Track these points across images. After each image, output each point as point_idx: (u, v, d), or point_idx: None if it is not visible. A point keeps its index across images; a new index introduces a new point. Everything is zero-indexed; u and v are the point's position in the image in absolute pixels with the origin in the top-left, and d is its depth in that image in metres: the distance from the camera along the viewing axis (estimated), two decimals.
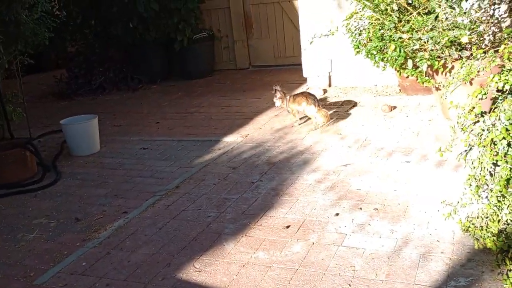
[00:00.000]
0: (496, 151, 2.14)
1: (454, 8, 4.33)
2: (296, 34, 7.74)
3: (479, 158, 2.26)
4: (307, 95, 4.98)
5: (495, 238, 2.32)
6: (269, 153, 4.36)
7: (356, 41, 4.76)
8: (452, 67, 4.28)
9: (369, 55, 4.57)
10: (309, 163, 4.03)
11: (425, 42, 4.13)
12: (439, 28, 4.17)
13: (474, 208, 2.44)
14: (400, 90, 5.81)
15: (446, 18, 4.35)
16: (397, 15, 4.47)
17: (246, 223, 3.16)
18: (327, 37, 6.04)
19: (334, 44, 6.21)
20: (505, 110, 2.07)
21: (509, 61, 2.12)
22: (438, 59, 4.13)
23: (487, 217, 2.30)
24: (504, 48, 2.14)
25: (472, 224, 2.37)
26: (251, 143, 4.68)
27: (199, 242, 3.00)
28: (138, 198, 3.76)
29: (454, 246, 2.63)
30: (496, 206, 2.24)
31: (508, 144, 2.14)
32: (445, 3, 4.49)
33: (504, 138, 2.12)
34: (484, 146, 2.19)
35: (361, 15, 4.73)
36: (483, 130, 2.25)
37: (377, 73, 6.07)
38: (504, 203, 2.23)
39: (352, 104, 5.58)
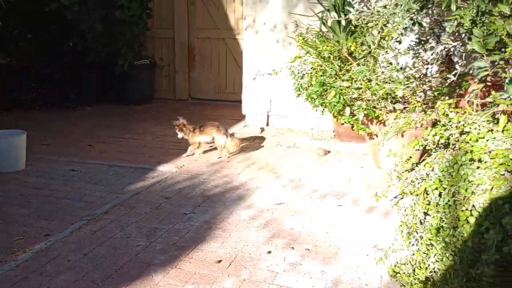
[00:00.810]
0: (428, 200, 2.23)
1: (391, 63, 4.59)
2: (238, 72, 7.85)
3: (412, 206, 2.36)
4: (217, 125, 5.20)
5: (422, 285, 2.39)
6: (204, 186, 4.31)
7: (298, 84, 4.91)
8: (387, 119, 4.50)
9: (309, 99, 4.71)
10: (244, 199, 4.02)
11: (363, 92, 4.32)
12: (376, 80, 4.39)
13: (404, 254, 2.52)
14: (335, 136, 5.99)
15: (383, 72, 4.60)
16: (339, 64, 4.66)
17: (176, 255, 3.07)
18: (269, 78, 6.20)
19: (275, 85, 6.36)
20: (438, 162, 2.19)
21: (445, 116, 2.26)
22: (374, 109, 4.32)
23: (415, 264, 2.38)
24: (440, 104, 2.29)
25: (401, 270, 2.44)
26: (186, 174, 4.62)
27: (126, 271, 2.87)
28: (63, 221, 3.56)
29: None
30: (424, 253, 2.33)
31: (439, 195, 2.25)
32: (383, 58, 4.76)
33: (436, 188, 2.22)
34: (417, 195, 2.28)
35: (305, 60, 4.90)
36: (417, 179, 2.35)
37: (314, 118, 6.25)
38: (431, 252, 2.32)
39: (288, 144, 5.67)
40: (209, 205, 3.89)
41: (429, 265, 2.37)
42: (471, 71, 4.30)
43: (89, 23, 7.04)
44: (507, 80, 3.71)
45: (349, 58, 4.79)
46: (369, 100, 4.28)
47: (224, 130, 5.12)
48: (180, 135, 5.19)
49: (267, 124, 6.58)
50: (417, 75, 4.52)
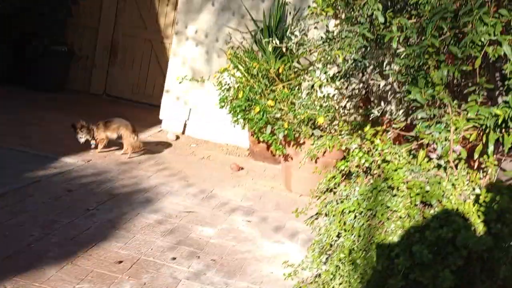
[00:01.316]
0: (344, 221, 2.27)
1: (315, 90, 4.72)
2: (160, 76, 7.68)
3: (327, 226, 2.39)
4: (126, 123, 4.98)
5: None
6: (111, 184, 4.10)
7: (223, 95, 4.87)
8: (304, 143, 4.60)
9: (233, 112, 4.70)
10: (152, 203, 3.86)
11: (285, 114, 4.39)
12: (299, 104, 4.48)
13: (312, 274, 2.53)
14: (249, 154, 6.01)
15: (305, 98, 4.71)
16: (266, 83, 4.71)
17: (73, 250, 2.85)
18: (192, 87, 6.13)
19: (197, 95, 6.29)
20: (359, 185, 2.24)
21: (370, 143, 2.34)
22: (294, 132, 4.40)
23: (321, 285, 2.39)
24: (368, 129, 2.36)
25: None
26: (92, 170, 4.36)
27: (15, 261, 2.61)
28: None
29: None
30: (332, 274, 2.35)
31: (355, 216, 2.30)
32: (308, 84, 4.89)
33: (354, 210, 2.27)
34: (334, 215, 2.32)
35: (233, 73, 4.89)
36: (336, 200, 2.39)
37: (231, 134, 6.24)
38: (338, 273, 2.35)
39: (202, 155, 5.59)
40: (114, 204, 3.69)
41: (333, 287, 2.40)
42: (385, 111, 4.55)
43: None
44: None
45: (276, 78, 4.86)
46: (290, 123, 4.34)
47: (133, 128, 4.95)
48: (82, 139, 4.80)
49: (183, 133, 6.46)
50: (336, 106, 4.70)
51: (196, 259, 3.06)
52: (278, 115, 4.43)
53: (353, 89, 4.94)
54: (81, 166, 4.39)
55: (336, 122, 4.64)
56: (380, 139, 2.32)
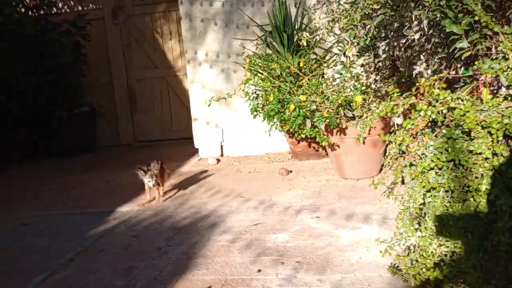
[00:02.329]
0: (427, 180, 2.17)
1: (341, 74, 4.64)
2: (183, 108, 7.74)
3: (410, 191, 2.28)
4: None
5: (429, 272, 2.29)
6: (172, 219, 4.07)
7: (254, 105, 4.83)
8: (346, 128, 4.50)
9: (267, 117, 4.64)
10: (218, 225, 3.81)
11: (322, 103, 4.31)
12: (330, 91, 4.40)
13: (406, 244, 2.42)
14: (292, 156, 5.94)
15: (336, 84, 4.63)
16: (292, 80, 4.65)
17: None
18: (218, 108, 6.13)
19: (225, 115, 6.29)
20: (433, 139, 2.14)
21: (429, 94, 2.23)
22: (335, 119, 4.31)
23: (421, 252, 2.28)
24: (424, 81, 2.26)
25: (409, 259, 2.33)
26: (150, 211, 4.35)
27: None
28: (22, 277, 3.18)
29: None
30: (430, 238, 2.24)
31: (439, 170, 2.19)
32: (332, 71, 4.82)
33: (434, 167, 2.17)
34: (414, 178, 2.21)
35: (256, 81, 4.84)
36: (409, 164, 2.29)
37: (268, 142, 6.21)
38: (435, 235, 2.24)
39: (248, 170, 5.54)
40: (182, 236, 3.65)
41: (435, 250, 2.28)
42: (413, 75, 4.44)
43: (17, 75, 6.65)
44: (462, 69, 3.82)
45: (300, 73, 4.79)
46: (328, 111, 4.26)
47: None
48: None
49: (222, 155, 6.44)
50: (367, 82, 4.61)
51: (281, 265, 2.98)
52: (313, 107, 4.35)
53: (379, 61, 4.85)
54: (138, 211, 4.38)
55: (371, 98, 4.54)
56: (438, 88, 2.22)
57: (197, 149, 6.56)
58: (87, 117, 7.59)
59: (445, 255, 2.24)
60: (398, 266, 2.61)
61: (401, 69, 5.09)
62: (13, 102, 6.76)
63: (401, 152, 2.33)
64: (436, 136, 2.21)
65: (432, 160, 2.13)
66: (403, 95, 2.49)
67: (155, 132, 7.97)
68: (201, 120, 6.40)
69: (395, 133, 2.32)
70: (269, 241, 3.40)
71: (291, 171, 5.29)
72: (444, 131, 2.13)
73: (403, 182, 2.48)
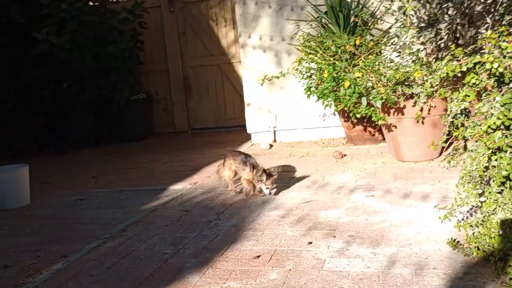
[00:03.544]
0: (492, 141, 2.00)
1: (400, 52, 4.45)
2: (236, 95, 7.73)
3: (473, 152, 2.12)
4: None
5: (494, 241, 2.12)
6: (223, 197, 4.04)
7: (308, 84, 4.72)
8: (404, 107, 4.31)
9: (322, 96, 4.52)
10: (269, 202, 3.75)
11: (378, 80, 4.14)
12: (387, 68, 4.23)
13: (468, 210, 2.26)
14: (347, 141, 5.78)
15: (391, 61, 4.45)
16: (347, 57, 4.51)
17: (209, 257, 2.77)
18: (271, 93, 6.06)
19: (278, 100, 6.21)
20: (502, 94, 1.97)
21: (496, 48, 2.06)
22: (392, 96, 4.14)
23: (485, 220, 2.11)
24: (491, 33, 2.08)
25: (470, 227, 2.17)
26: (201, 189, 4.35)
27: (158, 277, 2.57)
28: (78, 242, 3.25)
29: (445, 261, 2.41)
30: (495, 203, 2.07)
31: (508, 128, 2.02)
32: (390, 48, 4.63)
33: (500, 126, 2.00)
34: (479, 138, 2.05)
35: (311, 59, 4.73)
36: (473, 123, 2.13)
37: (321, 128, 6.09)
38: (501, 201, 2.07)
39: (301, 154, 5.44)
40: (232, 211, 3.61)
41: (497, 221, 2.11)
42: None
43: (82, 61, 6.86)
44: None
45: (356, 52, 4.64)
46: (385, 86, 4.09)
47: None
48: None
49: (275, 140, 6.37)
50: (427, 60, 4.39)
51: (333, 238, 2.88)
52: (370, 84, 4.20)
53: (441, 38, 4.61)
54: (190, 189, 4.39)
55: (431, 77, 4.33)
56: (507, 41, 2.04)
57: (250, 134, 6.52)
58: (144, 104, 7.73)
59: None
60: (458, 241, 2.45)
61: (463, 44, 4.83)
62: (78, 87, 6.99)
63: (464, 112, 2.17)
64: (504, 93, 2.04)
65: (499, 118, 1.96)
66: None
67: (209, 119, 8.01)
68: (254, 105, 6.35)
69: (457, 91, 2.17)
70: (321, 216, 3.30)
71: (345, 155, 5.14)
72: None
73: (465, 147, 2.32)
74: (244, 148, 6.27)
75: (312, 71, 4.76)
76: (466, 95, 2.06)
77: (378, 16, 5.12)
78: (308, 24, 5.70)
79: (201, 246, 2.95)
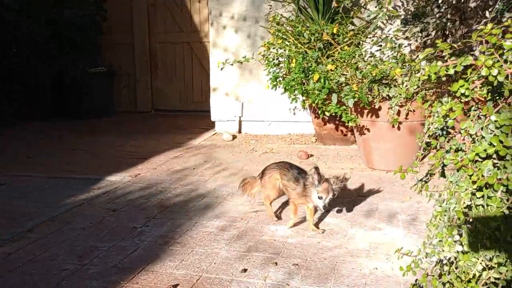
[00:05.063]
0: (481, 173, 1.47)
1: (381, 45, 3.92)
2: (206, 78, 7.12)
3: (452, 186, 1.59)
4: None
5: None
6: (162, 195, 3.48)
7: (274, 73, 4.15)
8: (379, 108, 3.79)
9: (288, 88, 3.96)
10: (212, 208, 3.20)
11: (353, 75, 3.60)
12: (364, 62, 3.70)
13: (441, 259, 1.73)
14: (316, 139, 5.25)
15: (372, 55, 3.93)
16: (321, 46, 3.95)
17: (115, 280, 2.21)
18: (239, 79, 5.50)
19: (247, 87, 5.65)
20: (498, 112, 1.43)
21: (492, 47, 1.52)
22: (367, 96, 3.61)
23: (461, 272, 1.59)
24: (487, 30, 1.54)
25: (441, 282, 1.65)
26: (141, 184, 3.77)
27: None
28: None
29: None
30: (475, 256, 1.55)
31: (495, 164, 1.49)
32: (371, 41, 4.09)
33: (491, 155, 1.46)
34: (462, 167, 1.52)
35: (280, 44, 4.15)
36: (457, 146, 1.59)
37: (291, 122, 5.57)
38: (485, 253, 1.55)
39: (265, 150, 4.90)
40: (167, 216, 3.06)
41: (479, 272, 1.59)
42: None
43: (34, 26, 6.16)
44: None
45: (332, 42, 4.08)
46: (359, 84, 3.56)
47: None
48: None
49: (239, 131, 5.81)
50: (410, 57, 3.86)
51: (273, 266, 2.34)
52: (342, 79, 3.65)
53: (428, 34, 4.08)
54: (128, 183, 3.81)
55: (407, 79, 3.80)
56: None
57: (214, 122, 5.96)
58: (104, 78, 7.08)
59: (495, 283, 1.54)
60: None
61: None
62: (28, 54, 6.28)
63: (445, 130, 1.64)
64: (499, 110, 1.51)
65: (491, 144, 1.43)
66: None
67: (175, 101, 7.41)
68: (221, 91, 5.78)
69: (440, 102, 1.62)
70: (266, 233, 2.76)
71: (311, 155, 4.61)
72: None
73: (443, 174, 1.79)
74: (205, 136, 5.71)
75: (281, 59, 4.18)
76: (450, 109, 1.53)
77: (362, 4, 4.57)
78: (284, 7, 5.11)
79: (111, 263, 2.39)
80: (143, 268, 2.33)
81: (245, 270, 2.31)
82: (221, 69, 4.39)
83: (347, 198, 3.31)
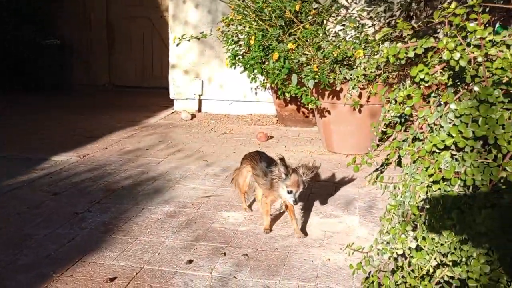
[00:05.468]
0: (438, 166, 1.35)
1: (344, 25, 3.78)
2: (166, 54, 6.84)
3: (407, 179, 1.47)
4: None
5: None
6: (110, 178, 3.28)
7: (233, 51, 3.96)
8: (341, 90, 3.66)
9: (248, 67, 3.78)
10: (162, 192, 3.02)
11: (314, 55, 3.45)
12: (327, 42, 3.55)
13: (394, 255, 1.61)
14: (278, 120, 5.11)
15: (337, 35, 3.78)
16: (282, 24, 3.77)
17: (47, 273, 2.02)
18: (200, 55, 5.29)
19: (208, 65, 5.43)
20: (454, 102, 1.31)
21: (455, 30, 1.39)
22: (328, 77, 3.46)
23: (415, 269, 1.48)
24: (450, 9, 1.41)
25: (394, 281, 1.54)
26: (88, 165, 3.55)
27: None
28: None
29: None
30: (428, 253, 1.44)
31: (453, 156, 1.37)
32: (334, 19, 3.94)
33: (449, 147, 1.34)
34: (419, 159, 1.39)
35: (240, 19, 3.95)
36: (415, 136, 1.46)
37: (253, 102, 5.40)
38: (443, 248, 1.44)
39: (224, 130, 4.73)
40: (112, 201, 2.86)
41: (434, 271, 1.48)
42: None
43: None
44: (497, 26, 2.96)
45: (294, 19, 3.91)
46: (321, 63, 3.41)
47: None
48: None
49: (199, 110, 5.61)
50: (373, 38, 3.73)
51: (221, 257, 2.20)
52: (303, 59, 3.50)
53: (393, 15, 3.96)
54: (75, 163, 3.59)
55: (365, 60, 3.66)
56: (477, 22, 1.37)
57: (173, 100, 5.73)
58: (58, 50, 6.72)
59: (449, 283, 1.44)
60: (380, 283, 1.81)
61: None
62: None
63: (403, 118, 1.51)
64: (460, 97, 1.38)
65: (450, 135, 1.31)
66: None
67: (133, 77, 7.12)
68: (180, 68, 5.55)
69: (398, 88, 1.49)
70: (217, 220, 2.62)
71: (271, 137, 4.47)
72: (476, 88, 1.29)
73: (399, 164, 1.66)
74: (163, 115, 5.49)
75: (241, 36, 3.99)
76: (408, 96, 1.40)
77: None
78: None
79: (45, 253, 2.20)
80: (79, 258, 2.15)
81: (190, 262, 2.16)
82: (177, 44, 4.17)
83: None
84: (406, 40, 1.67)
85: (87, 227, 2.49)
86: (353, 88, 2.83)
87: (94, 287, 1.93)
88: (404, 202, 1.46)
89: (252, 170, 2.57)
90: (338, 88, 3.59)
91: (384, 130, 1.49)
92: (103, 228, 2.49)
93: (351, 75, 3.19)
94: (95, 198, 2.89)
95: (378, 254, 1.50)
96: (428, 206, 1.44)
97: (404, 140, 1.49)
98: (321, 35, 3.68)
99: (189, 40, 4.08)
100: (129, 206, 2.79)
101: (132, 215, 2.66)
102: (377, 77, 3.48)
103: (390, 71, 3.48)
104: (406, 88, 1.41)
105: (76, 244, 2.30)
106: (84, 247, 2.27)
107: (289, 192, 2.29)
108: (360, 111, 3.70)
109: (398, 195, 1.49)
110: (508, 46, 1.44)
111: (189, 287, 1.94)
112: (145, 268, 2.08)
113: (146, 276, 2.02)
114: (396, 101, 1.43)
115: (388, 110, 1.46)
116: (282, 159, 2.32)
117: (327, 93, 3.69)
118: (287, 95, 3.73)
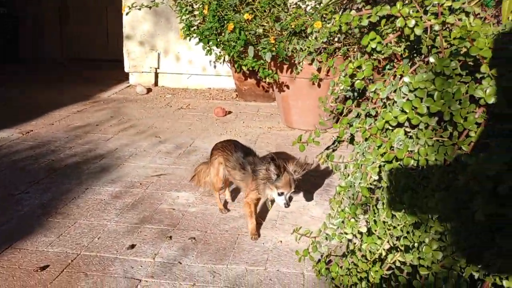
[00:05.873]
0: (390, 144, 1.23)
1: None
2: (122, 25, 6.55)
3: (358, 158, 1.35)
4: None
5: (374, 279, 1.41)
6: (54, 156, 3.07)
7: (187, 21, 3.75)
8: (299, 63, 3.52)
9: (203, 39, 3.59)
10: (109, 171, 2.84)
11: (270, 28, 3.29)
12: (286, 13, 3.39)
13: (343, 241, 1.51)
14: (237, 95, 4.96)
15: (298, 6, 3.62)
16: None
17: None
18: (155, 25, 5.04)
19: (164, 36, 5.19)
20: (409, 75, 1.19)
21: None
22: (286, 50, 3.32)
23: (367, 254, 1.38)
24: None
25: (348, 273, 1.43)
26: (31, 142, 3.33)
27: None
28: None
29: None
30: (380, 237, 1.34)
31: (407, 133, 1.26)
32: None
33: (402, 123, 1.22)
34: (371, 136, 1.27)
35: None
36: (368, 111, 1.34)
37: (212, 76, 5.21)
38: (391, 232, 1.34)
39: (181, 105, 4.54)
40: (54, 180, 2.67)
41: (386, 255, 1.39)
42: None
43: None
44: None
45: None
46: (279, 35, 3.26)
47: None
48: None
49: (156, 84, 5.40)
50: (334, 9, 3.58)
51: (167, 241, 2.06)
52: (260, 31, 3.34)
53: None
54: (16, 140, 3.35)
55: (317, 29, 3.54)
56: None
57: (128, 73, 5.48)
58: (6, 21, 6.31)
59: (399, 269, 1.35)
60: (328, 268, 1.71)
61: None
62: None
63: (355, 92, 1.38)
64: (416, 70, 1.26)
65: (403, 110, 1.19)
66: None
67: (88, 49, 6.79)
68: (135, 39, 5.30)
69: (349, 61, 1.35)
70: (166, 201, 2.47)
71: (229, 112, 4.32)
72: (432, 59, 1.17)
73: (352, 142, 1.55)
74: (117, 89, 5.25)
75: (195, 6, 3.78)
76: (358, 67, 1.27)
77: None
78: None
79: None
80: (9, 245, 1.97)
81: (132, 246, 2.01)
82: (126, 13, 3.93)
83: None
84: (360, 7, 1.54)
85: (23, 210, 2.31)
86: (303, 60, 2.69)
87: (23, 277, 1.76)
88: (354, 183, 1.34)
89: (226, 162, 2.26)
90: (296, 62, 3.46)
91: (333, 105, 1.36)
92: (40, 211, 2.31)
93: (302, 45, 3.05)
94: (35, 178, 2.69)
95: (326, 239, 1.39)
96: (379, 187, 1.33)
97: (356, 117, 1.36)
98: (280, 5, 3.51)
99: (139, 9, 3.84)
100: (71, 186, 2.61)
101: (73, 196, 2.48)
102: (337, 50, 3.36)
103: (350, 43, 3.35)
104: (357, 59, 1.28)
105: (8, 229, 2.12)
106: (17, 232, 2.09)
107: (280, 194, 2.03)
108: (319, 86, 3.58)
109: (348, 175, 1.38)
110: (467, 14, 1.32)
111: (129, 275, 1.80)
112: (82, 255, 1.93)
113: (82, 263, 1.87)
114: (346, 74, 1.30)
115: (337, 83, 1.33)
116: (273, 158, 2.04)
117: (285, 66, 3.55)
118: (244, 68, 3.57)
